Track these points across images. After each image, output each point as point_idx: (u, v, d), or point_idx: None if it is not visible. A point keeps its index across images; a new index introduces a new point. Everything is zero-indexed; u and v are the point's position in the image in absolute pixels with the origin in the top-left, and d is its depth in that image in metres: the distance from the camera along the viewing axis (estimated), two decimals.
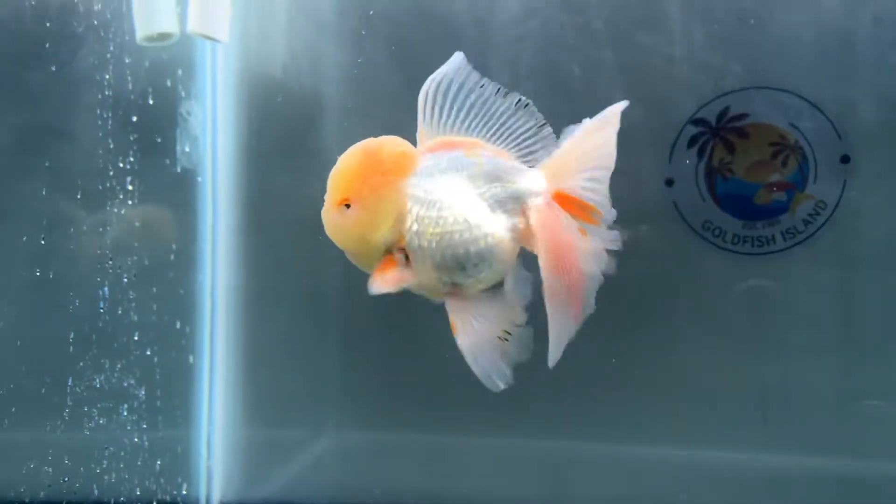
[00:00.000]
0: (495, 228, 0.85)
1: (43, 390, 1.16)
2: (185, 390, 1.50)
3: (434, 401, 1.56)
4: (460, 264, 0.85)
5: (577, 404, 1.54)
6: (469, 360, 0.86)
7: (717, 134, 1.48)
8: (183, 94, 1.44)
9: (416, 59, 1.57)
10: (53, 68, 1.21)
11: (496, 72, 1.54)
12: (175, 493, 1.43)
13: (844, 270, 1.47)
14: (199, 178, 1.52)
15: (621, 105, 0.86)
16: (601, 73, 1.51)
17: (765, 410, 1.49)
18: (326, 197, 0.86)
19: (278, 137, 1.61)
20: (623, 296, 1.54)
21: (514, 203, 0.85)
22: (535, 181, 0.85)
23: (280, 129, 1.61)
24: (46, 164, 1.20)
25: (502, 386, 0.88)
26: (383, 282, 0.85)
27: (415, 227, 0.84)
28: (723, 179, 1.48)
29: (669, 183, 1.50)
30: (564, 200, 0.85)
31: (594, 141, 0.85)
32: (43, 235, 1.17)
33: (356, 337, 1.61)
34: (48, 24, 1.23)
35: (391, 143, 0.87)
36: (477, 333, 0.86)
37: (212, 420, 1.60)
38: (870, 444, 1.45)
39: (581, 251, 0.84)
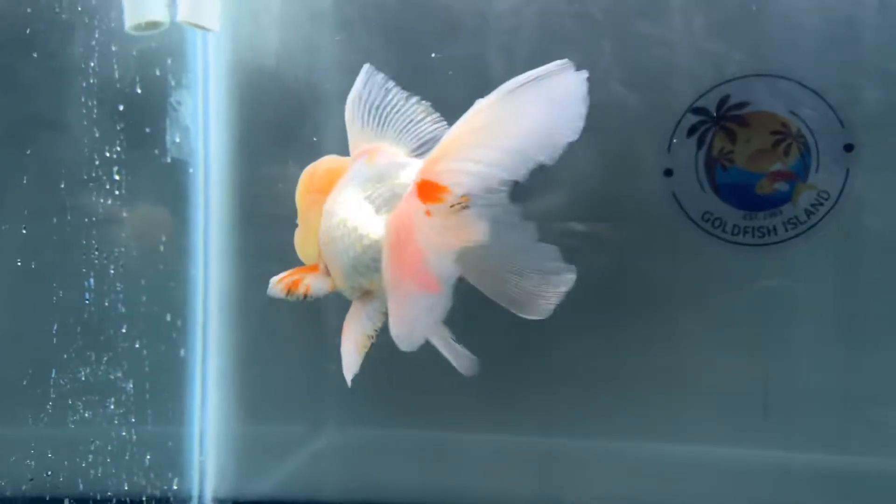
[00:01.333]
0: (372, 230, 0.82)
1: (25, 382, 1.14)
2: (176, 384, 1.48)
3: (435, 397, 1.54)
4: (354, 268, 0.83)
5: (576, 399, 1.52)
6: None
7: (718, 123, 1.45)
8: (173, 83, 1.41)
9: (413, 49, 1.55)
10: (35, 54, 1.18)
11: (493, 61, 1.51)
12: (165, 488, 1.41)
13: (847, 262, 1.44)
14: (191, 170, 1.50)
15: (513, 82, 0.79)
16: (600, 62, 1.48)
17: (766, 404, 1.46)
18: None
19: (271, 128, 1.60)
20: (621, 288, 1.53)
21: (398, 200, 0.81)
22: (410, 174, 0.81)
23: (273, 120, 1.59)
24: (28, 153, 1.18)
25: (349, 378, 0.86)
26: (276, 284, 0.89)
27: (321, 238, 0.86)
28: (723, 169, 1.46)
29: (668, 173, 1.47)
30: (427, 188, 0.77)
31: (480, 121, 0.79)
32: (24, 225, 1.14)
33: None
34: (32, 11, 1.21)
35: (324, 164, 0.91)
36: (351, 333, 0.87)
37: (204, 415, 1.58)
38: (872, 439, 1.43)
39: (424, 233, 0.75)
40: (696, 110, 1.46)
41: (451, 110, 1.64)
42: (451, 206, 0.76)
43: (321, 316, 1.61)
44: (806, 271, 1.45)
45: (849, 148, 1.41)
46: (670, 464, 1.49)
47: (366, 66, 0.86)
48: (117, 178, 1.23)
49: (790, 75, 1.42)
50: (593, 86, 1.60)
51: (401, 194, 0.80)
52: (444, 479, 1.57)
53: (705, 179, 1.46)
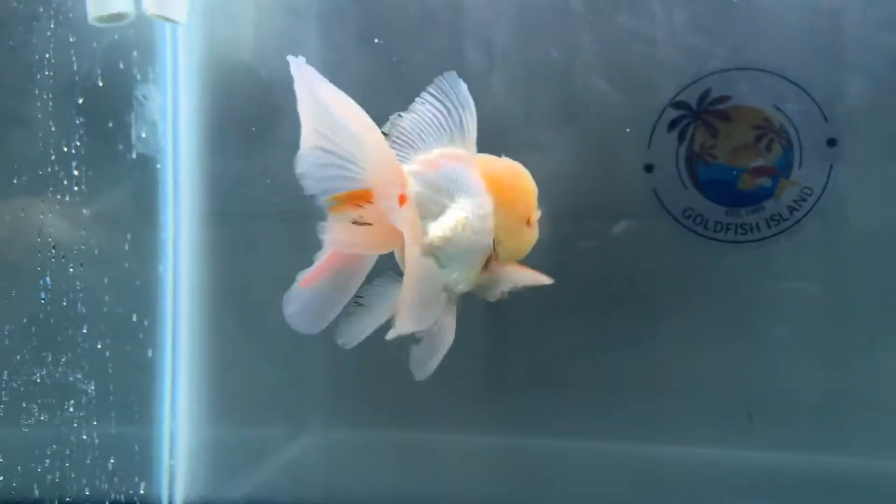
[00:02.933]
0: None
1: None
2: (143, 385, 1.44)
3: (419, 399, 1.51)
4: None
5: (559, 400, 1.49)
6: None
7: (699, 117, 1.42)
8: (139, 77, 1.38)
9: (389, 43, 1.52)
10: None
11: (470, 55, 1.49)
12: (132, 492, 1.37)
13: (831, 259, 1.42)
14: (159, 165, 1.47)
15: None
16: (579, 56, 1.46)
17: (749, 405, 1.43)
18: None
19: (244, 124, 1.56)
20: (601, 287, 1.50)
21: None
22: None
23: (246, 116, 1.56)
24: None
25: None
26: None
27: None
28: (704, 165, 1.43)
29: (649, 169, 1.44)
30: None
31: None
32: None
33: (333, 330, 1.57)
34: None
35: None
36: None
37: (175, 417, 1.55)
38: (856, 440, 1.41)
39: None
40: (676, 104, 1.43)
41: None
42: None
43: None
44: (789, 269, 1.43)
45: (832, 143, 1.39)
46: (651, 465, 1.47)
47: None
48: (76, 173, 1.19)
49: (773, 69, 1.40)
50: (574, 80, 1.57)
51: None
52: (429, 481, 1.54)
53: (686, 175, 1.43)
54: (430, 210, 0.87)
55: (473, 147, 0.92)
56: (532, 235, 0.95)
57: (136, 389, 1.42)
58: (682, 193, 1.43)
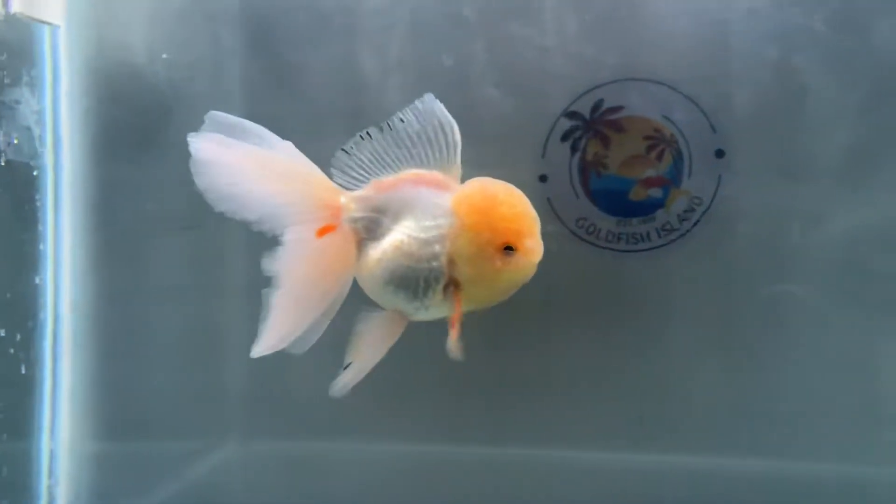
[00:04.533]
0: None
1: None
2: (14, 404, 1.37)
3: (344, 408, 1.47)
4: None
5: (456, 407, 1.48)
6: None
7: (592, 127, 1.42)
8: (7, 80, 1.31)
9: (280, 48, 1.49)
10: None
11: (364, 61, 1.47)
12: None
13: (721, 267, 1.43)
14: (36, 173, 1.40)
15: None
16: (472, 65, 1.45)
17: (642, 410, 1.44)
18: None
19: (131, 129, 1.52)
20: None
21: None
22: None
23: (133, 120, 1.51)
24: None
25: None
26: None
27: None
28: (597, 175, 1.43)
29: (543, 179, 1.44)
30: None
31: None
32: None
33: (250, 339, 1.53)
34: None
35: None
36: None
37: (55, 435, 1.48)
38: (745, 443, 1.43)
39: None
40: (570, 115, 1.43)
41: (320, 110, 1.59)
42: None
43: (207, 324, 1.53)
44: (680, 277, 1.44)
45: (720, 154, 1.40)
46: (548, 468, 1.47)
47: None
48: None
49: (663, 80, 1.41)
50: (467, 89, 1.56)
51: None
52: (353, 493, 1.50)
53: (579, 185, 1.43)
54: (373, 233, 0.90)
55: (456, 169, 0.93)
56: (510, 265, 0.92)
57: (5, 408, 1.34)
58: (575, 203, 1.43)
